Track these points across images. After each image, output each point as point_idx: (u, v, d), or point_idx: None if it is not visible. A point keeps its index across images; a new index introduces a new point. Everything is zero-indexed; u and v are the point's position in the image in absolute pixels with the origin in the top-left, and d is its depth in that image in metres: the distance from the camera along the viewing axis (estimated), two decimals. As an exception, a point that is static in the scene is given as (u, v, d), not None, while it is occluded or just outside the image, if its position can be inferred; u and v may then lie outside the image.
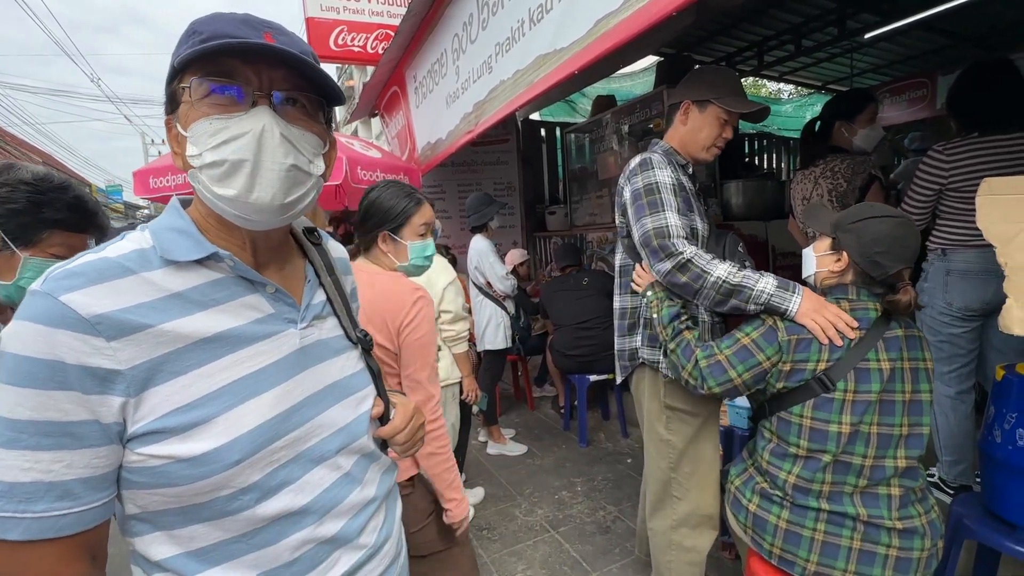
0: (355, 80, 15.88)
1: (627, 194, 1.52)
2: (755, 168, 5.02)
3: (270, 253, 0.68)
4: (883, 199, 2.18)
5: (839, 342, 1.19)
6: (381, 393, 0.77)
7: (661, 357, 1.56)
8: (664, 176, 1.46)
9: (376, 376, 0.77)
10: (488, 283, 3.28)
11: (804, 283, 1.37)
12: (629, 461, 3.03)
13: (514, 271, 3.68)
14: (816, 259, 1.33)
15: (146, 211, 33.73)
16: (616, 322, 1.70)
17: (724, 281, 1.32)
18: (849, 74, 5.35)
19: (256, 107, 0.58)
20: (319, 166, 0.64)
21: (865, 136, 2.25)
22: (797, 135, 6.17)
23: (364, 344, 0.76)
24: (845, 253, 1.25)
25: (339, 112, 17.82)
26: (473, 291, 3.34)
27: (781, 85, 8.23)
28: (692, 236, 1.52)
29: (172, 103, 0.61)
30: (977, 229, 1.16)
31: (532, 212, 5.14)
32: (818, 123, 2.43)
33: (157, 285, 0.57)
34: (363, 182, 3.40)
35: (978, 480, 1.65)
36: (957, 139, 1.91)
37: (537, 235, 5.07)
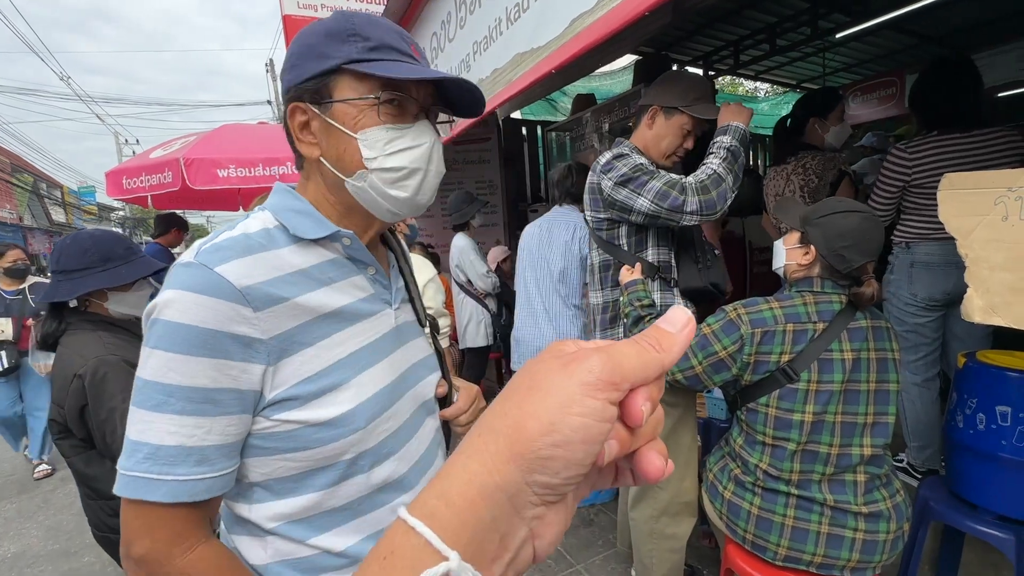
0: (335, 78, 15.66)
1: (608, 183, 1.53)
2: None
3: (375, 238, 0.75)
4: (853, 194, 2.24)
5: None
6: (445, 375, 0.82)
7: None
8: (643, 159, 1.52)
9: (441, 358, 0.83)
10: (469, 281, 3.29)
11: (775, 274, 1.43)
12: (612, 455, 3.07)
13: (498, 268, 3.69)
14: (785, 252, 1.37)
15: (121, 212, 32.86)
16: (597, 317, 1.72)
17: (718, 170, 1.44)
18: (822, 73, 5.47)
19: (420, 121, 0.65)
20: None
21: (836, 133, 2.32)
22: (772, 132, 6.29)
23: (432, 327, 0.83)
24: (813, 247, 1.28)
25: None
26: (454, 289, 3.34)
27: (757, 84, 8.38)
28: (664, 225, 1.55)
29: (318, 95, 0.63)
30: (939, 223, 1.20)
31: (515, 210, 5.15)
32: (789, 120, 2.49)
33: (287, 261, 0.62)
34: (343, 181, 3.38)
35: (944, 464, 1.71)
36: (918, 137, 1.98)
37: (520, 233, 5.08)
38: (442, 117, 0.73)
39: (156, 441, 0.54)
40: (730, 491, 1.33)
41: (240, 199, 4.53)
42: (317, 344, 0.62)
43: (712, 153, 1.47)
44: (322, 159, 0.65)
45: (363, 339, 0.67)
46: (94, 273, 1.33)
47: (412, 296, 0.80)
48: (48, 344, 1.36)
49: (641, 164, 1.50)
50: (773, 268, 1.43)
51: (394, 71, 0.60)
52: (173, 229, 4.03)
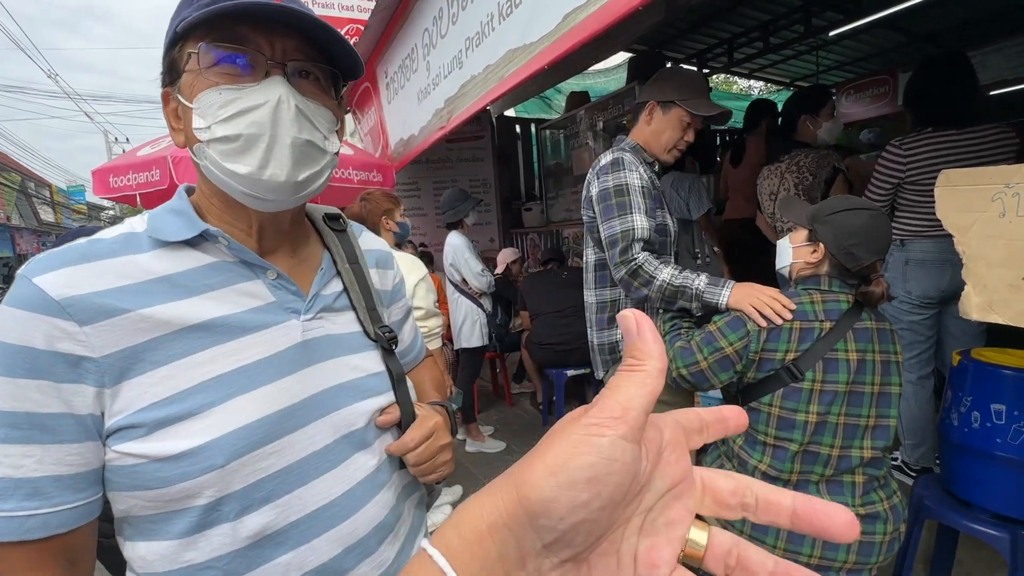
0: (327, 76, 15.58)
1: (595, 190, 1.53)
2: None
3: (279, 238, 0.63)
4: (847, 191, 2.24)
5: (778, 321, 1.22)
6: (401, 400, 0.67)
7: None
8: (634, 178, 1.49)
9: (396, 380, 0.67)
10: (464, 280, 3.26)
11: (779, 275, 1.42)
12: (607, 454, 3.06)
13: (507, 269, 3.68)
14: (792, 250, 1.34)
15: (110, 212, 32.57)
16: (594, 316, 1.71)
17: (668, 284, 1.40)
18: (815, 71, 5.50)
19: (269, 77, 0.53)
20: (334, 143, 0.60)
21: (828, 129, 2.31)
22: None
23: (384, 343, 0.67)
24: (821, 244, 1.26)
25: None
26: (449, 288, 3.32)
27: (751, 82, 8.41)
28: (663, 233, 1.54)
29: (172, 72, 0.56)
30: (934, 220, 1.19)
31: (508, 209, 5.13)
32: (780, 118, 2.49)
33: (142, 268, 0.53)
34: (336, 180, 3.34)
35: (938, 462, 1.71)
36: (913, 134, 1.97)
37: (514, 232, 5.07)
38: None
39: None
40: None
41: (231, 198, 4.48)
42: (175, 363, 0.52)
43: (689, 278, 1.40)
44: (186, 146, 0.57)
45: (245, 357, 0.55)
46: None
47: (356, 304, 0.67)
48: None
49: (624, 186, 1.48)
50: (777, 268, 1.40)
51: (205, 11, 0.50)
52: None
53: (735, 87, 11.92)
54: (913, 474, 2.14)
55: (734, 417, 0.26)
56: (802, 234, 1.33)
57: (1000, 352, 1.49)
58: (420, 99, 3.05)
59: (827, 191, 2.20)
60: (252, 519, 0.54)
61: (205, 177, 0.57)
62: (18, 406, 0.47)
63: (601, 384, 1.79)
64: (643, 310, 1.57)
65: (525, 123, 5.39)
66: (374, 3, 3.04)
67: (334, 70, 0.59)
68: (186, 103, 0.54)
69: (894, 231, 2.07)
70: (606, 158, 1.54)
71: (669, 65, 3.71)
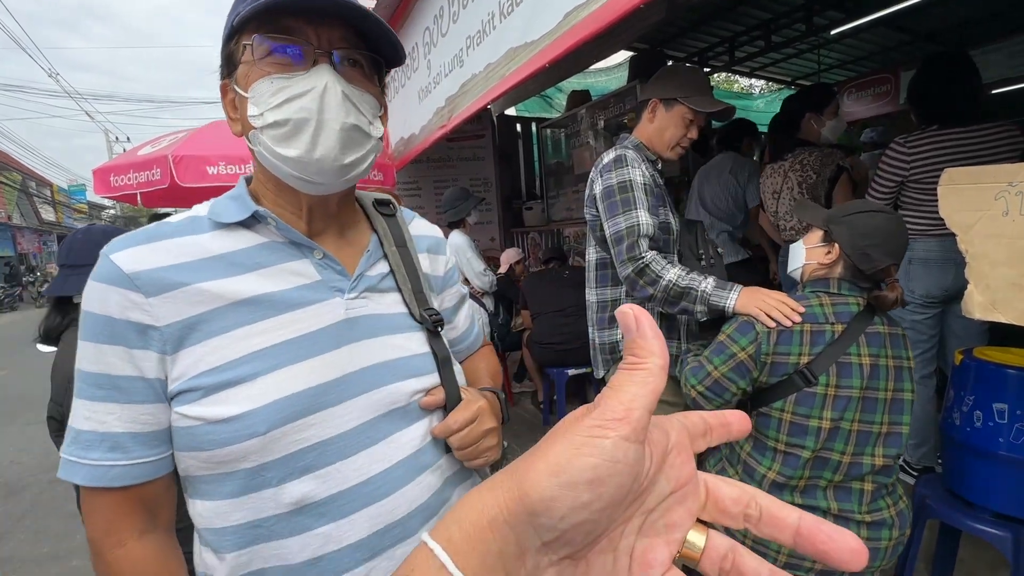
0: (328, 75, 15.57)
1: (598, 188, 1.53)
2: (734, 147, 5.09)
3: (328, 220, 0.66)
4: (852, 189, 2.23)
5: (787, 323, 1.21)
6: (446, 383, 0.67)
7: None
8: (636, 175, 1.48)
9: (441, 362, 0.67)
10: (466, 279, 3.26)
11: (789, 278, 1.40)
12: (608, 454, 3.06)
13: (510, 269, 3.67)
14: (806, 251, 1.33)
15: (111, 211, 32.57)
16: (595, 315, 1.70)
17: (674, 284, 1.38)
18: (817, 70, 5.48)
19: (317, 66, 0.56)
20: (378, 128, 0.62)
21: (832, 128, 2.31)
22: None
23: (429, 325, 0.68)
24: (836, 245, 1.25)
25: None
26: (450, 288, 3.31)
27: (753, 81, 8.40)
28: (666, 231, 1.53)
29: (229, 65, 0.60)
30: (937, 218, 1.19)
31: (509, 208, 5.12)
32: (783, 116, 2.48)
33: (202, 246, 0.58)
34: (335, 178, 3.35)
35: (940, 461, 1.71)
36: (917, 132, 1.97)
37: (514, 231, 5.06)
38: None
39: (76, 425, 0.55)
40: None
41: (231, 197, 4.48)
42: (227, 334, 0.56)
43: (696, 279, 1.38)
44: (243, 135, 0.61)
45: (291, 331, 0.58)
46: None
47: (402, 286, 0.68)
48: (51, 338, 1.34)
49: (627, 182, 1.47)
50: (788, 271, 1.39)
51: (257, 4, 0.53)
52: (164, 228, 3.99)
53: (736, 86, 11.90)
54: (915, 474, 2.13)
55: (737, 421, 0.26)
56: (817, 235, 1.31)
57: (1003, 351, 1.48)
58: (421, 98, 3.04)
59: (831, 189, 2.19)
60: (293, 487, 0.56)
61: (260, 163, 0.61)
62: (100, 368, 0.55)
63: (602, 383, 1.78)
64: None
65: (526, 122, 5.38)
66: (374, 2, 3.04)
67: (377, 57, 0.61)
68: (242, 93, 0.58)
69: (896, 230, 2.06)
70: (609, 156, 1.54)
71: (671, 63, 3.71)
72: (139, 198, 3.55)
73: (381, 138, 0.63)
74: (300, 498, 0.56)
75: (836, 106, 2.33)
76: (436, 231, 0.80)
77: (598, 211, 1.54)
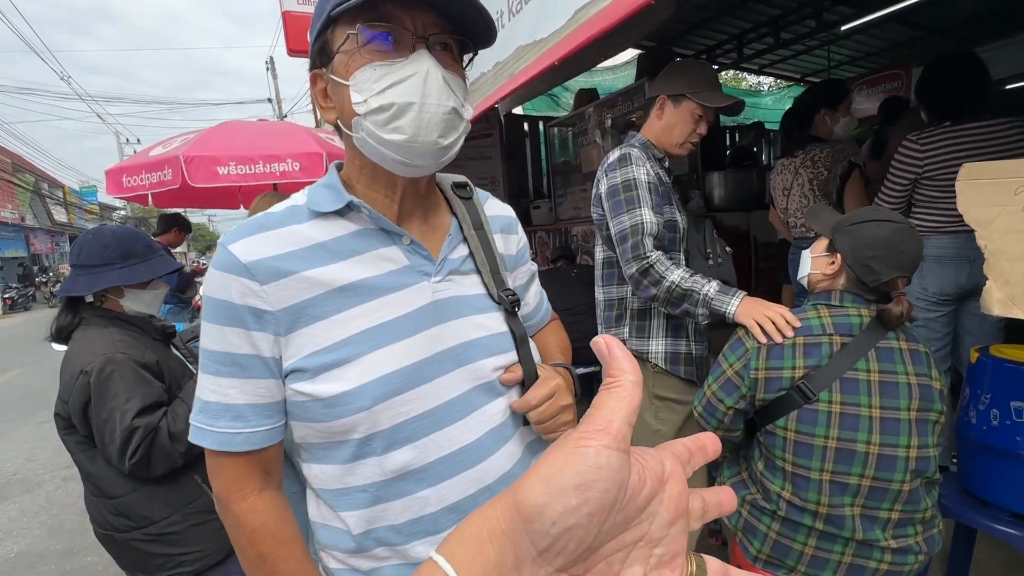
0: (335, 76, 15.63)
1: (603, 187, 1.53)
2: (752, 157, 5.07)
3: (416, 201, 0.69)
4: (864, 186, 2.21)
5: (777, 338, 1.18)
6: (524, 360, 0.71)
7: (650, 347, 1.58)
8: (641, 173, 1.48)
9: (519, 340, 0.72)
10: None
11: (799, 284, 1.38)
12: (617, 452, 3.05)
13: None
14: (811, 260, 1.30)
15: (122, 212, 32.89)
16: (602, 314, 1.70)
17: (677, 286, 1.37)
18: (827, 66, 5.43)
19: (416, 51, 0.58)
20: (469, 110, 0.65)
21: (845, 124, 2.29)
22: (777, 127, 6.24)
23: (506, 305, 0.72)
24: (839, 255, 1.21)
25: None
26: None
27: (761, 78, 8.34)
28: (672, 229, 1.53)
29: (323, 55, 0.62)
30: (952, 215, 1.17)
31: (516, 206, 5.10)
32: (795, 112, 2.45)
33: (304, 235, 0.62)
34: (344, 178, 3.35)
35: (955, 461, 1.69)
36: (931, 128, 1.95)
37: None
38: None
39: (204, 397, 0.62)
40: (747, 510, 1.26)
41: (240, 197, 4.51)
42: (329, 318, 0.61)
43: (699, 282, 1.36)
44: (338, 122, 0.63)
45: (384, 314, 0.63)
46: (113, 269, 1.33)
47: (481, 268, 0.72)
48: (62, 337, 1.36)
49: (632, 181, 1.47)
50: (797, 278, 1.37)
51: (350, 2, 0.55)
52: (174, 229, 4.02)
53: (744, 83, 11.83)
54: (939, 479, 2.11)
55: (711, 443, 0.29)
56: (823, 243, 1.28)
57: (1020, 349, 1.46)
58: (429, 97, 3.04)
59: (843, 186, 2.17)
60: (396, 455, 0.62)
61: (356, 150, 0.64)
62: (223, 347, 0.61)
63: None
64: (649, 309, 1.56)
65: (533, 121, 5.38)
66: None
67: (466, 40, 0.64)
68: (341, 81, 0.60)
69: (909, 227, 2.04)
70: (613, 155, 1.54)
71: (678, 60, 3.69)
72: (150, 198, 3.58)
73: (470, 120, 0.65)
74: (402, 465, 0.63)
75: (849, 102, 2.31)
76: (508, 211, 0.83)
77: (603, 210, 1.54)
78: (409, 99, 0.58)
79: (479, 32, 0.63)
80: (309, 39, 0.64)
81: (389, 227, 0.65)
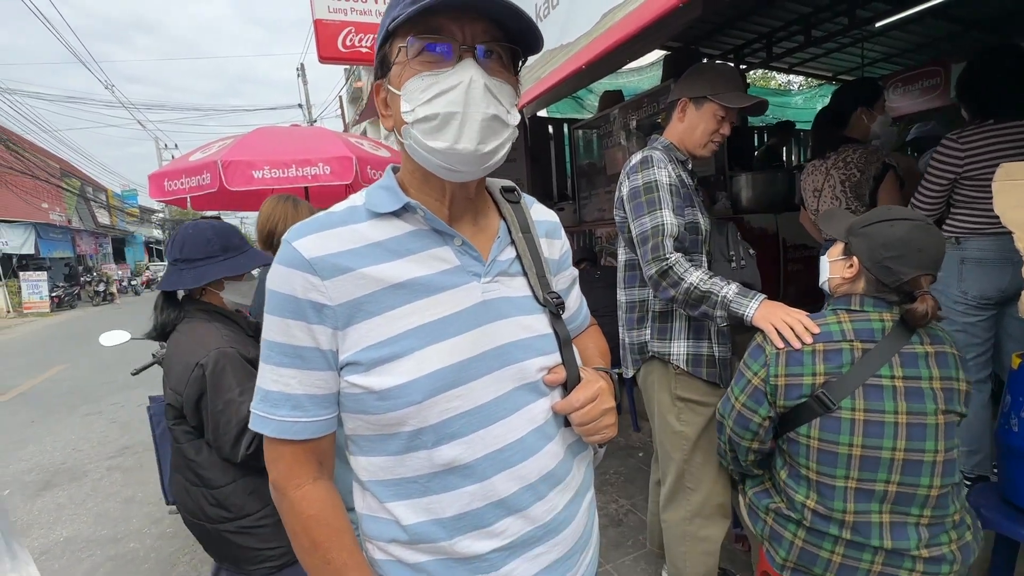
0: (363, 81, 15.97)
1: (625, 189, 1.54)
2: (780, 157, 4.98)
3: (465, 204, 0.71)
4: (899, 188, 2.15)
5: (796, 344, 1.16)
6: (567, 362, 0.73)
7: (672, 349, 1.58)
8: (663, 175, 1.48)
9: (563, 343, 0.73)
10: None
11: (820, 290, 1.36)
12: (640, 455, 3.03)
13: None
14: (829, 264, 1.28)
15: (161, 214, 34.16)
16: (624, 315, 1.71)
17: (695, 287, 1.37)
18: (860, 64, 5.28)
19: (462, 61, 0.60)
20: (515, 116, 0.66)
21: (881, 123, 2.23)
22: (808, 127, 6.09)
23: (552, 308, 0.74)
24: (856, 258, 1.19)
25: (348, 112, 17.92)
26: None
27: (791, 77, 8.15)
28: (693, 231, 1.53)
29: (383, 67, 0.66)
30: (993, 216, 1.14)
31: (541, 209, 5.14)
32: (830, 111, 2.38)
33: (362, 234, 0.65)
34: (373, 181, 3.42)
35: (995, 470, 1.63)
36: (971, 127, 1.89)
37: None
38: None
39: (265, 387, 0.65)
40: (771, 518, 1.25)
41: (273, 200, 4.65)
42: (384, 314, 0.63)
43: (718, 284, 1.37)
44: (394, 129, 0.67)
45: (436, 312, 0.65)
46: (216, 262, 1.37)
47: (528, 271, 0.74)
48: (164, 333, 1.38)
49: (653, 183, 1.47)
50: (819, 284, 1.35)
51: (411, 9, 0.57)
52: (211, 231, 4.19)
53: (773, 82, 11.58)
54: (968, 483, 2.04)
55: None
56: (838, 248, 1.26)
57: (1065, 355, 1.41)
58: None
59: (876, 188, 2.12)
60: (444, 450, 0.64)
61: (408, 155, 0.68)
62: (285, 339, 0.63)
63: (632, 383, 1.78)
64: (671, 311, 1.56)
65: (557, 123, 5.39)
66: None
67: (515, 47, 0.65)
68: (395, 91, 0.63)
69: (949, 228, 1.98)
70: (636, 158, 1.55)
71: (705, 61, 3.65)
72: (189, 201, 3.74)
73: (517, 125, 0.67)
74: (450, 460, 0.65)
75: (883, 101, 2.25)
76: (553, 216, 0.85)
77: (625, 212, 1.55)
78: (452, 108, 0.60)
79: (527, 39, 0.64)
80: (375, 51, 0.68)
81: (442, 228, 0.67)
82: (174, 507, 2.66)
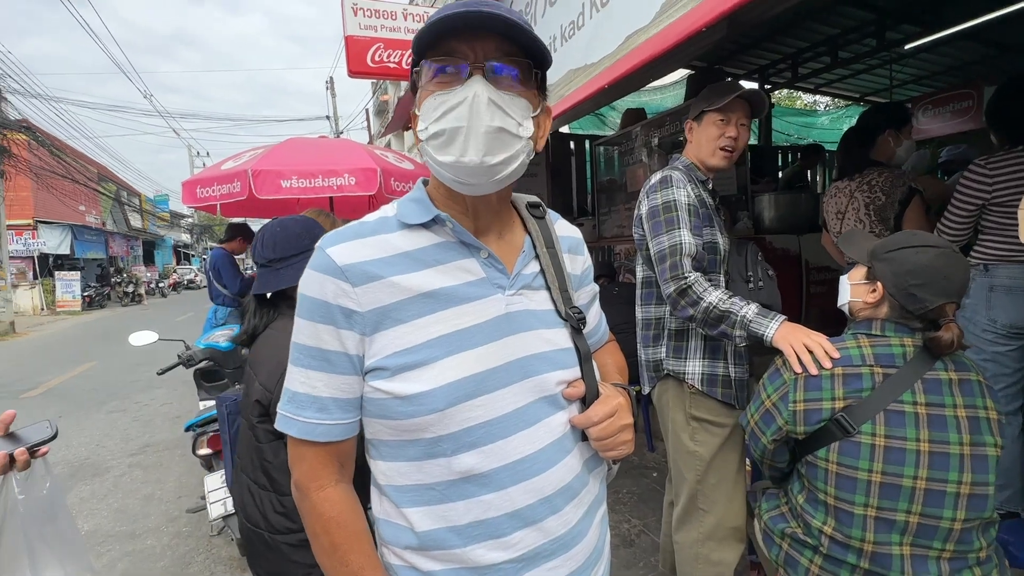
0: (390, 95, 16.33)
1: (644, 208, 1.57)
2: (804, 178, 4.92)
3: (490, 218, 0.73)
4: (924, 212, 2.11)
5: (813, 369, 1.15)
6: (586, 377, 0.74)
7: (687, 367, 1.57)
8: (681, 195, 1.50)
9: (583, 357, 0.74)
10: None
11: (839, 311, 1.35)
12: (655, 475, 2.99)
13: None
14: (850, 288, 1.27)
15: (190, 219, 35.21)
16: (640, 332, 1.71)
17: (715, 307, 1.37)
18: (889, 85, 5.22)
19: (472, 77, 0.62)
20: (528, 128, 0.66)
21: (907, 148, 2.20)
22: (834, 147, 6.01)
23: (573, 322, 0.74)
24: (880, 284, 1.18)
25: (374, 125, 18.31)
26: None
27: (817, 97, 8.08)
28: (712, 251, 1.53)
29: (414, 90, 0.69)
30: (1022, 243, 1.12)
31: (560, 223, 5.16)
32: (857, 132, 2.35)
33: (392, 244, 0.68)
34: (396, 193, 3.50)
35: (1026, 507, 1.57)
36: (1001, 152, 1.85)
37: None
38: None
39: (293, 388, 0.67)
40: (787, 544, 1.23)
41: (298, 208, 4.77)
42: (411, 321, 0.65)
43: (737, 304, 1.36)
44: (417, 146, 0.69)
45: (460, 322, 0.66)
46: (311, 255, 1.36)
47: (551, 285, 0.75)
48: (255, 336, 1.35)
49: (672, 202, 1.49)
50: (838, 305, 1.34)
51: (425, 36, 0.61)
52: (238, 238, 4.32)
53: (799, 102, 11.48)
54: (997, 519, 1.96)
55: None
56: (861, 271, 1.25)
57: (1101, 389, 1.36)
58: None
59: (902, 212, 2.08)
60: (463, 458, 0.65)
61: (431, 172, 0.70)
62: (315, 342, 0.66)
63: (648, 400, 1.77)
64: (687, 329, 1.56)
65: (579, 139, 5.44)
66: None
67: (526, 60, 0.65)
68: (416, 112, 0.67)
69: (977, 255, 1.93)
70: (655, 177, 1.57)
71: (728, 80, 3.66)
72: (219, 208, 3.86)
73: (531, 137, 0.67)
74: (468, 468, 0.65)
75: (911, 127, 2.22)
76: (576, 232, 0.87)
77: (644, 230, 1.57)
78: (458, 123, 0.62)
79: (535, 52, 0.65)
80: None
81: (469, 240, 0.69)
82: (191, 507, 2.73)
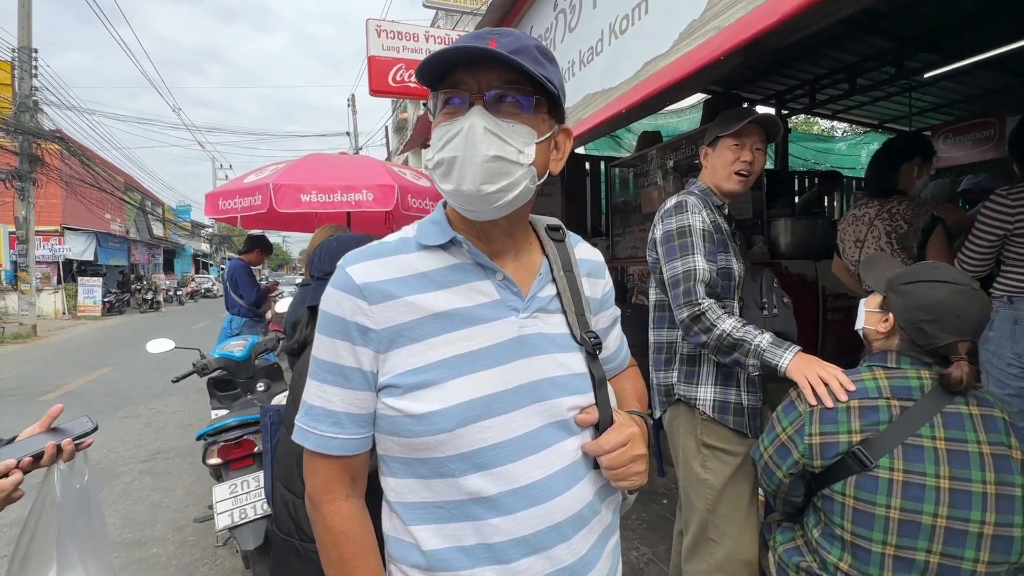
0: (409, 113, 16.69)
1: (659, 232, 1.57)
2: (821, 203, 4.89)
3: (504, 241, 0.73)
4: (948, 242, 2.08)
5: (828, 402, 1.13)
6: (600, 403, 0.73)
7: (699, 393, 1.55)
8: (696, 221, 1.50)
9: (597, 383, 0.73)
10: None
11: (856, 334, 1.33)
12: (665, 502, 2.93)
13: None
14: (866, 314, 1.26)
15: (210, 229, 35.97)
16: (652, 356, 1.70)
17: (728, 335, 1.36)
18: (908, 113, 5.19)
19: (472, 108, 0.64)
20: (529, 155, 0.66)
21: (924, 181, 2.18)
22: (852, 174, 5.97)
23: (588, 347, 0.74)
24: (892, 315, 1.17)
25: (392, 141, 18.66)
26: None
27: (834, 123, 8.07)
28: (726, 277, 1.53)
29: (433, 112, 0.71)
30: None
31: (574, 243, 5.17)
32: (887, 158, 2.30)
33: (410, 264, 0.69)
34: (413, 210, 3.55)
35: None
36: (1022, 183, 1.83)
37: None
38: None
39: (310, 401, 0.69)
40: None
41: (316, 221, 4.86)
42: (423, 341, 0.66)
43: (751, 332, 1.35)
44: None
45: (473, 343, 0.67)
46: None
47: (567, 308, 0.74)
48: (305, 345, 1.35)
49: (686, 228, 1.49)
50: (856, 327, 1.33)
51: (427, 71, 0.64)
52: (256, 249, 4.41)
53: (816, 128, 11.47)
54: None
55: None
56: (876, 299, 1.24)
57: None
58: (497, 137, 3.20)
59: (924, 240, 2.05)
60: (471, 480, 0.65)
61: None
62: (332, 357, 0.67)
63: (659, 425, 1.75)
64: (699, 355, 1.54)
65: (594, 160, 5.48)
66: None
67: (528, 88, 0.65)
68: (429, 142, 0.69)
69: (1000, 287, 1.89)
70: (671, 201, 1.58)
71: (745, 106, 3.68)
72: (239, 220, 3.95)
73: (534, 163, 0.67)
74: (476, 490, 0.65)
75: (932, 161, 2.21)
76: (597, 255, 0.86)
77: (658, 254, 1.57)
78: (453, 153, 0.63)
79: (534, 78, 0.64)
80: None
81: (484, 262, 0.70)
82: (198, 516, 2.73)
